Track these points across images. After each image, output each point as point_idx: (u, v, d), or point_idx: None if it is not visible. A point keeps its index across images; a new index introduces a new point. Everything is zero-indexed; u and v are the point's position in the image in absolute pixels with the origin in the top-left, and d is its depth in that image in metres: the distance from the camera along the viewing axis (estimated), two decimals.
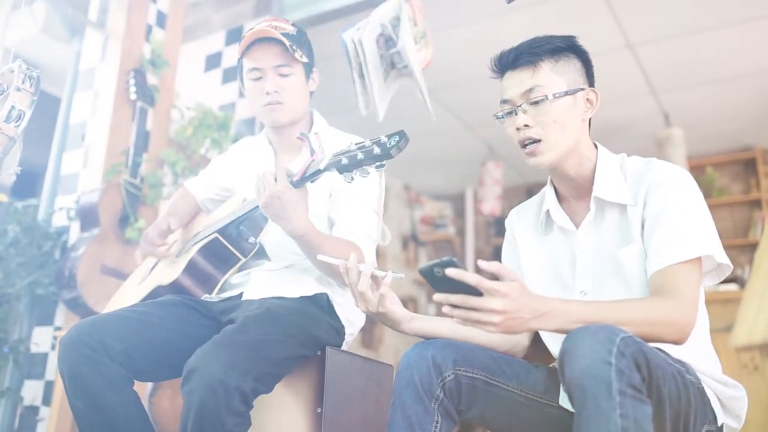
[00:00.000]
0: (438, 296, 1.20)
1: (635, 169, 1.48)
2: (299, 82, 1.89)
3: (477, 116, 5.32)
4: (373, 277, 1.42)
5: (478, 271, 1.18)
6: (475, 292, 1.17)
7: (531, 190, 1.75)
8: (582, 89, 1.49)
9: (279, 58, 1.85)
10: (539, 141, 1.46)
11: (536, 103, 1.46)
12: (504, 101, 1.50)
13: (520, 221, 1.66)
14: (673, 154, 4.72)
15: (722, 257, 1.38)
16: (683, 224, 1.36)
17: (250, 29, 1.89)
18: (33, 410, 3.03)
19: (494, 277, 1.18)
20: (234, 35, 4.05)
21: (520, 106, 1.47)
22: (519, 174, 6.31)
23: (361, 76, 2.49)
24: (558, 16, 3.99)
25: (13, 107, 1.63)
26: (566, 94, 1.46)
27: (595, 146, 1.55)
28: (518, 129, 1.47)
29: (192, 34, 4.19)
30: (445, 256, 1.19)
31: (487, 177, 5.71)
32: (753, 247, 5.30)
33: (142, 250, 1.96)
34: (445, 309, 1.20)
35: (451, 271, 1.15)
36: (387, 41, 2.52)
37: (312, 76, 1.95)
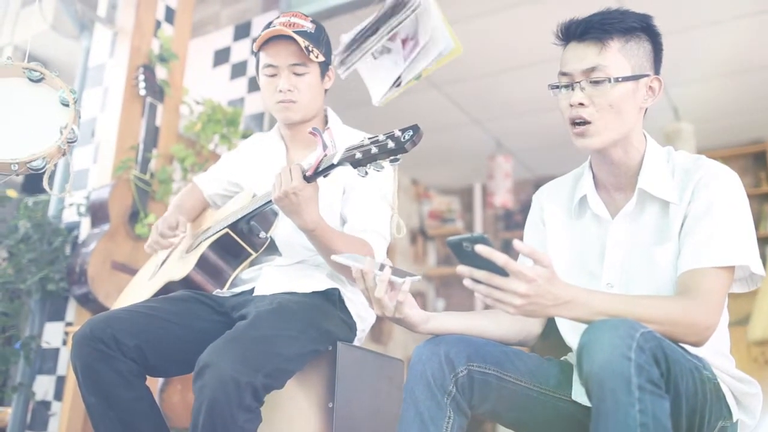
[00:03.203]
0: (462, 268, 1.19)
1: (683, 166, 1.44)
2: (314, 80, 1.87)
3: (484, 110, 5.30)
4: (390, 283, 1.37)
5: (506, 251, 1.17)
6: (501, 271, 1.16)
7: (539, 184, 1.74)
8: (647, 75, 1.43)
9: (294, 57, 1.83)
10: (589, 123, 1.41)
11: (597, 83, 1.40)
12: (563, 74, 1.44)
13: (551, 200, 1.61)
14: (682, 148, 4.65)
15: (758, 268, 1.35)
16: (724, 229, 1.33)
17: (269, 23, 1.87)
18: (45, 405, 3.05)
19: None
20: (242, 31, 4.05)
21: (579, 82, 1.41)
22: (527, 168, 6.29)
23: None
24: (565, 10, 3.97)
25: (73, 128, 1.64)
26: (629, 78, 1.40)
27: (645, 137, 1.50)
28: (572, 105, 1.42)
29: (200, 29, 4.19)
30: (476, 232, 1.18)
31: (498, 170, 5.70)
32: (763, 240, 5.28)
33: (152, 242, 1.96)
34: (467, 282, 1.19)
35: (480, 248, 1.14)
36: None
37: (328, 73, 1.94)
